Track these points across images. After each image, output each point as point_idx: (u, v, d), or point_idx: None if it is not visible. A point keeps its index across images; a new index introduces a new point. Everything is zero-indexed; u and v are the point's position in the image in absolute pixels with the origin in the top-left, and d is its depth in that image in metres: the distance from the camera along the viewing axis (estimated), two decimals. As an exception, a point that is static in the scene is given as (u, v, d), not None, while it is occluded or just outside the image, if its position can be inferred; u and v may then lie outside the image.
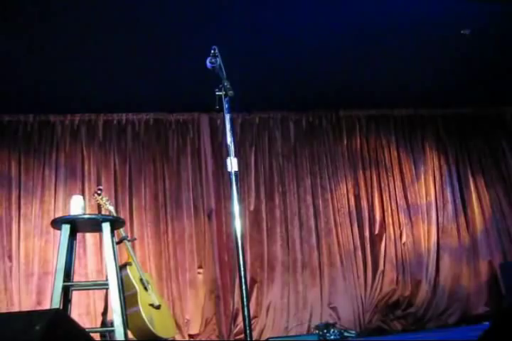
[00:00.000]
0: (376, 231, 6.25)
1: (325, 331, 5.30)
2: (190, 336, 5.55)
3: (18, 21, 4.33)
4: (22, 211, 5.61)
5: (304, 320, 5.80)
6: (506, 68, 5.76)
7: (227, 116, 3.02)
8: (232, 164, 2.91)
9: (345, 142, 6.57)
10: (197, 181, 6.11)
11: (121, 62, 5.11)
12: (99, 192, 4.80)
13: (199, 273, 5.82)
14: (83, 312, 5.31)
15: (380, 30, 4.95)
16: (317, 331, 5.36)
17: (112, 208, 4.75)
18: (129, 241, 4.74)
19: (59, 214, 5.42)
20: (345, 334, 5.39)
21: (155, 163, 6.08)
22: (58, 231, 3.81)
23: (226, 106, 3.01)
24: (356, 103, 6.51)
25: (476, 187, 6.61)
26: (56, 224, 3.83)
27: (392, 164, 6.56)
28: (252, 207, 6.11)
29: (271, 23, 4.72)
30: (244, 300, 2.75)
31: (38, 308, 5.20)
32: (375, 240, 6.23)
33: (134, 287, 4.43)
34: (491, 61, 5.61)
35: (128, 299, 4.24)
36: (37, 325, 1.81)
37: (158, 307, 4.54)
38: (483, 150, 6.80)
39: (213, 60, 3.09)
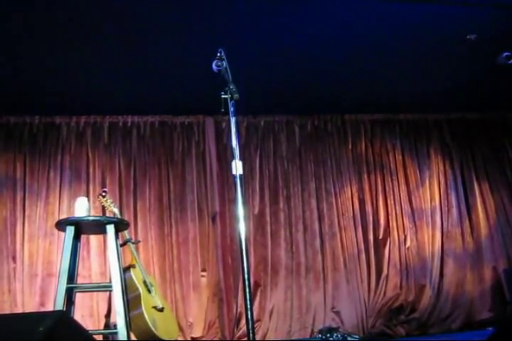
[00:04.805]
0: (380, 236, 6.23)
1: (328, 335, 5.28)
2: (193, 339, 5.54)
3: (22, 22, 4.34)
4: (27, 212, 5.61)
5: (307, 323, 5.78)
6: (512, 73, 5.76)
7: (233, 119, 3.03)
8: (237, 167, 2.91)
9: (350, 146, 6.56)
10: (201, 184, 6.11)
11: (126, 65, 5.12)
12: (103, 194, 4.81)
13: (203, 275, 5.82)
14: (86, 314, 5.31)
15: (385, 35, 4.95)
16: (320, 335, 5.35)
17: (116, 210, 4.75)
18: (133, 243, 4.74)
19: (63, 215, 5.42)
20: (349, 338, 5.36)
21: (160, 166, 6.08)
22: (62, 233, 3.83)
23: (231, 109, 3.02)
24: (361, 107, 6.50)
25: (481, 192, 6.59)
26: (60, 225, 3.85)
27: (396, 168, 6.54)
28: (256, 211, 6.11)
29: (277, 26, 4.71)
30: (248, 303, 2.75)
31: (42, 310, 5.21)
32: (379, 244, 6.21)
33: (138, 289, 4.43)
34: (496, 66, 5.60)
35: (131, 301, 4.24)
36: (40, 326, 1.81)
37: (161, 310, 4.53)
38: (488, 155, 6.78)
39: (219, 63, 3.11)
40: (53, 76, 5.18)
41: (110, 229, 3.82)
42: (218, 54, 3.13)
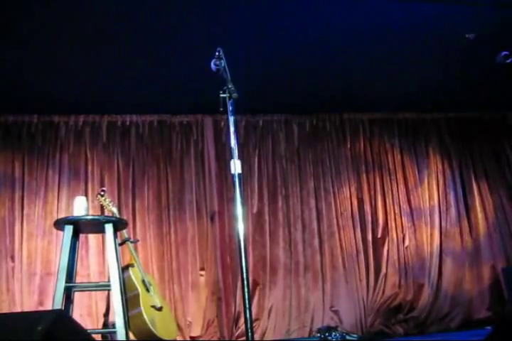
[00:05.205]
0: (379, 235, 6.23)
1: (327, 334, 5.29)
2: (191, 338, 5.54)
3: (22, 21, 4.34)
4: (25, 211, 5.61)
5: (305, 323, 5.79)
6: (511, 72, 5.74)
7: (231, 119, 3.03)
8: (236, 166, 2.91)
9: (348, 145, 6.57)
10: (200, 183, 6.11)
11: (125, 64, 5.11)
12: (102, 193, 4.79)
13: (201, 275, 5.82)
14: (85, 313, 5.32)
15: (383, 34, 4.95)
16: (319, 334, 5.35)
17: (114, 209, 4.74)
18: (131, 242, 4.74)
19: (62, 215, 5.42)
20: (347, 337, 5.37)
21: (158, 165, 6.08)
22: (61, 232, 3.82)
23: (230, 108, 3.02)
24: (360, 106, 6.50)
25: (480, 192, 6.59)
26: (59, 224, 3.84)
27: (395, 168, 6.55)
28: (255, 210, 6.11)
29: (276, 25, 4.71)
30: (246, 302, 2.75)
31: (40, 309, 5.21)
32: (378, 243, 6.21)
33: (136, 288, 4.43)
34: (495, 65, 5.59)
35: (130, 300, 4.24)
36: (39, 325, 1.81)
37: (160, 309, 4.53)
38: (487, 154, 6.78)
39: (218, 62, 3.11)
40: (52, 75, 5.17)
41: (109, 228, 3.82)
42: (217, 53, 3.13)
